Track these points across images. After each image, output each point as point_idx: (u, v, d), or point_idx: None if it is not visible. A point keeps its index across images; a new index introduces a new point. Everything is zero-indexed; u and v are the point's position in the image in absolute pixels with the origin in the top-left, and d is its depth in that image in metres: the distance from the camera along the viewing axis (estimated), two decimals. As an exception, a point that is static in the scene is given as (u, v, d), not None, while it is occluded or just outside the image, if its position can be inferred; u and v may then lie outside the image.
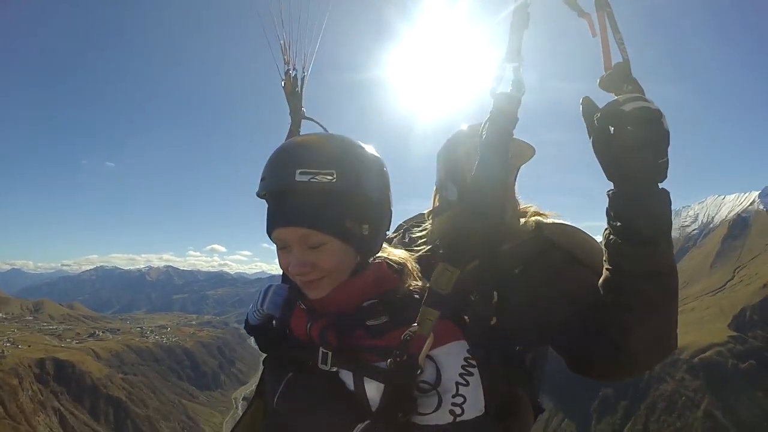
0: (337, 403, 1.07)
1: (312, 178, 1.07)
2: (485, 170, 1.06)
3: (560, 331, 1.34)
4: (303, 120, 1.97)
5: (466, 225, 1.07)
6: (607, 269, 1.15)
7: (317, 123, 1.82)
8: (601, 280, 1.18)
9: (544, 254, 1.49)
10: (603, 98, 1.06)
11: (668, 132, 1.00)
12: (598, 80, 1.08)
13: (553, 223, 1.58)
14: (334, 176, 1.08)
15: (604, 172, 1.07)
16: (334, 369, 1.10)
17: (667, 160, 1.02)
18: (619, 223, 1.07)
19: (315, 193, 1.09)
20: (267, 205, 1.19)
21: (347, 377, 1.09)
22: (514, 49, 1.06)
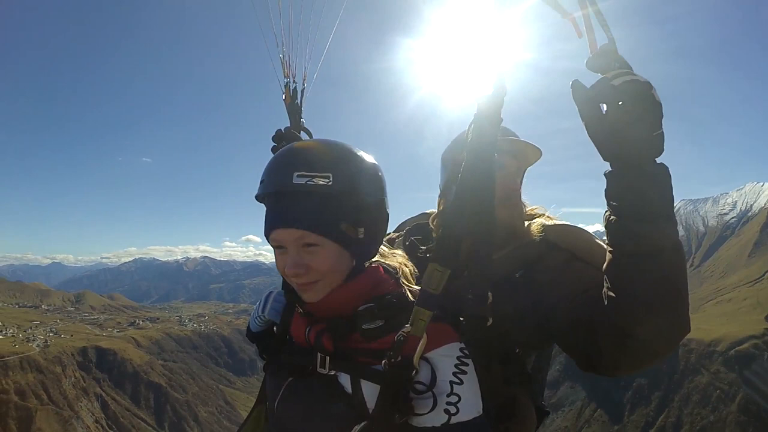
0: (335, 405, 1.09)
1: (308, 181, 1.09)
2: (472, 173, 1.06)
3: (565, 330, 1.34)
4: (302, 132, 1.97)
5: (454, 226, 1.07)
6: (609, 252, 1.13)
7: (309, 135, 1.83)
8: (605, 266, 1.16)
9: (545, 256, 1.49)
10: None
11: (660, 104, 0.98)
12: (585, 61, 1.06)
13: (556, 225, 1.57)
14: (330, 179, 1.10)
15: (600, 152, 1.06)
16: (333, 372, 1.12)
17: (662, 132, 1.00)
18: (616, 203, 1.06)
19: (311, 196, 1.10)
20: (265, 208, 1.20)
21: (345, 380, 1.10)
22: (496, 52, 1.06)
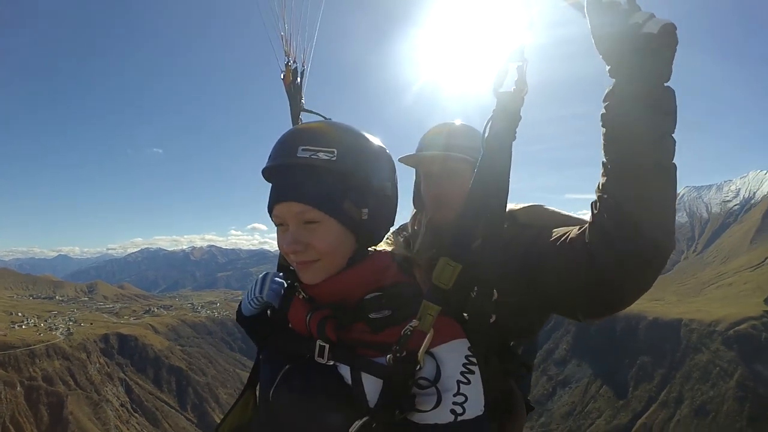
0: (334, 397, 1.02)
1: (313, 155, 1.05)
2: (489, 168, 1.05)
3: (553, 279, 1.27)
4: (303, 113, 1.87)
5: (469, 221, 1.05)
6: (610, 168, 1.04)
7: (317, 114, 1.76)
8: (602, 184, 1.07)
9: (518, 235, 1.47)
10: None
11: (677, 42, 0.94)
12: None
13: (522, 207, 1.59)
14: (335, 155, 1.06)
15: (611, 65, 1.01)
16: (332, 363, 1.06)
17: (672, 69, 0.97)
18: (626, 117, 0.99)
19: (314, 170, 1.06)
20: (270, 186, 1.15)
21: (345, 371, 1.04)
22: (517, 49, 1.04)
